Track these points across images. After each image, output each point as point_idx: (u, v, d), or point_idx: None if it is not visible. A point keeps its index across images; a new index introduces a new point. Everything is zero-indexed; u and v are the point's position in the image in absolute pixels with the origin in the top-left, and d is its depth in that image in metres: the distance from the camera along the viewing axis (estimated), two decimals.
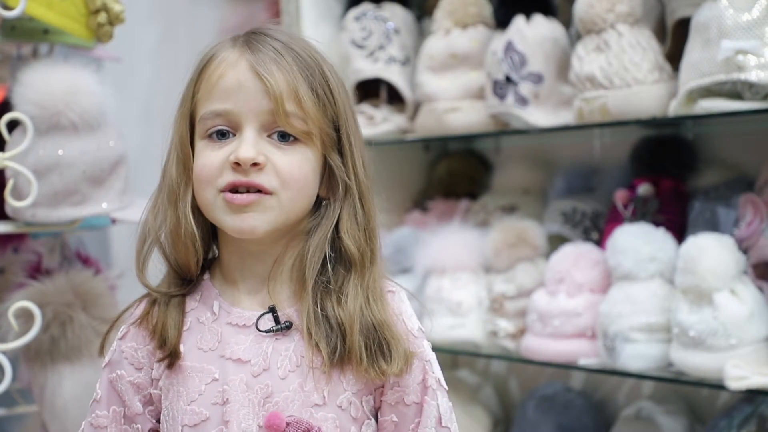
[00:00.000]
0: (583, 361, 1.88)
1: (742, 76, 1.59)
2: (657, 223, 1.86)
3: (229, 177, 1.08)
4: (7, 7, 1.59)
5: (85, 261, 2.08)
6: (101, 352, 1.19)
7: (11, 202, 1.64)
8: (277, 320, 1.12)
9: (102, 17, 1.76)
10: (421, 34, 2.30)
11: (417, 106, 2.22)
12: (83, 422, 1.17)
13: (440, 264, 2.11)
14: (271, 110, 1.08)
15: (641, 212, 1.91)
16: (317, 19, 2.31)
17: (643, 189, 1.93)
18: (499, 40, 1.98)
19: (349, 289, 1.11)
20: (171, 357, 1.12)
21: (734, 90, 1.66)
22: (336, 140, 1.13)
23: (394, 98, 2.27)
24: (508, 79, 1.95)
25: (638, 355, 1.76)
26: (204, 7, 2.72)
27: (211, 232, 1.16)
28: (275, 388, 1.10)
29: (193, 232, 1.11)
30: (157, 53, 2.77)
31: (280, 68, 1.09)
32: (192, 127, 1.13)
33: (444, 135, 2.17)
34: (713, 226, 1.81)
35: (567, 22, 1.98)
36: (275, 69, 1.08)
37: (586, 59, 1.83)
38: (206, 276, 1.17)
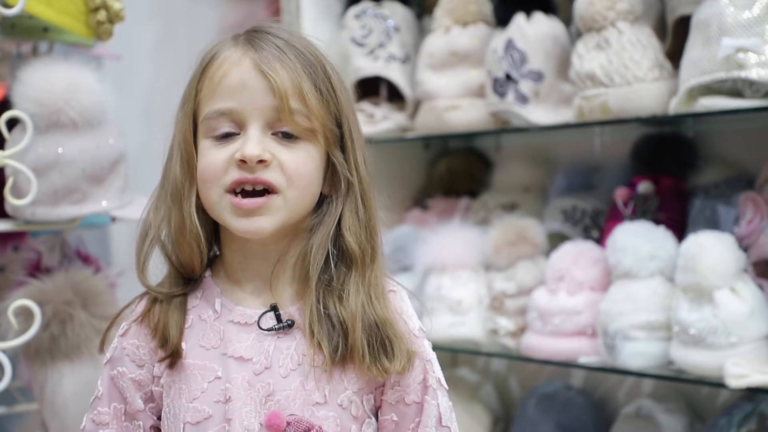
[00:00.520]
0: (583, 360, 1.88)
1: (743, 74, 1.59)
2: (657, 221, 1.86)
3: (235, 175, 1.08)
4: (7, 5, 1.59)
5: (85, 259, 2.08)
6: (101, 349, 1.19)
7: (11, 201, 1.64)
8: (279, 319, 1.12)
9: (102, 15, 1.76)
10: (422, 32, 2.30)
11: (417, 104, 2.22)
12: (84, 417, 1.17)
13: (440, 262, 2.11)
14: (275, 108, 1.08)
15: (641, 210, 1.91)
16: (317, 17, 2.31)
17: (644, 187, 1.93)
18: (500, 38, 1.98)
19: (351, 287, 1.11)
20: (173, 357, 1.12)
21: (735, 88, 1.65)
22: (338, 137, 1.13)
23: (395, 96, 2.27)
24: (509, 77, 1.95)
25: (638, 353, 1.76)
26: (204, 5, 2.71)
27: (213, 231, 1.16)
28: (277, 386, 1.10)
29: (198, 232, 1.11)
30: (156, 51, 2.77)
31: (284, 66, 1.09)
32: (194, 126, 1.13)
33: (444, 133, 2.17)
34: (713, 224, 1.81)
35: (567, 19, 1.98)
36: (279, 66, 1.08)
37: (587, 57, 1.83)
38: (208, 273, 1.16)
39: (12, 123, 1.67)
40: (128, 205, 1.78)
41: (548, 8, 1.98)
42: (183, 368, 1.12)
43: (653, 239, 1.80)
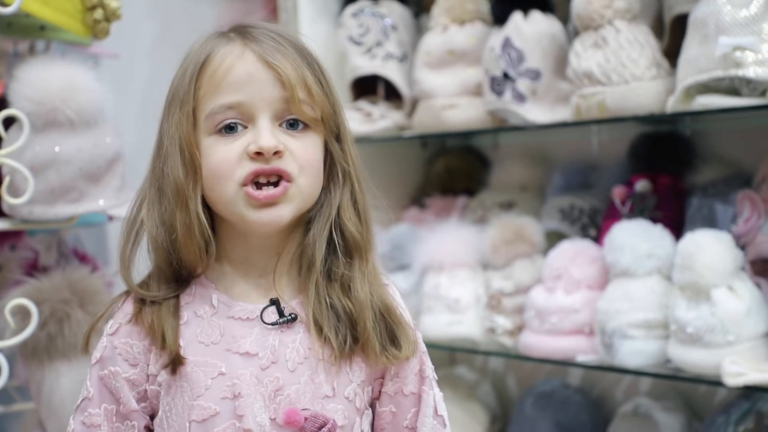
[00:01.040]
0: (580, 358, 1.88)
1: (740, 73, 1.59)
2: (655, 220, 1.86)
3: (250, 167, 1.07)
4: (4, 4, 1.59)
5: (82, 258, 2.07)
6: (85, 349, 1.18)
7: (8, 199, 1.64)
8: (281, 313, 1.12)
9: (98, 14, 1.75)
10: (419, 31, 2.30)
11: (414, 103, 2.22)
12: (71, 421, 1.14)
13: (438, 261, 2.11)
14: (283, 98, 1.08)
15: (639, 209, 1.91)
16: (314, 16, 2.31)
17: (641, 185, 1.93)
18: (497, 36, 1.98)
19: (356, 277, 1.12)
20: (174, 363, 1.10)
21: (732, 86, 1.66)
22: (336, 127, 1.14)
23: (392, 95, 2.27)
24: (506, 76, 1.95)
25: (636, 351, 1.76)
26: (201, 3, 2.71)
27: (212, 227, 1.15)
28: (285, 381, 1.10)
29: (207, 231, 1.10)
30: (154, 50, 2.76)
31: (286, 57, 1.09)
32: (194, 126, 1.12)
33: (442, 132, 2.17)
34: (711, 222, 1.81)
35: (565, 18, 1.98)
36: (281, 58, 1.09)
37: (584, 56, 1.83)
38: (199, 270, 1.15)
39: (9, 122, 1.67)
40: (125, 204, 1.76)
41: (545, 7, 1.98)
42: (183, 366, 1.11)
43: (651, 238, 1.81)
